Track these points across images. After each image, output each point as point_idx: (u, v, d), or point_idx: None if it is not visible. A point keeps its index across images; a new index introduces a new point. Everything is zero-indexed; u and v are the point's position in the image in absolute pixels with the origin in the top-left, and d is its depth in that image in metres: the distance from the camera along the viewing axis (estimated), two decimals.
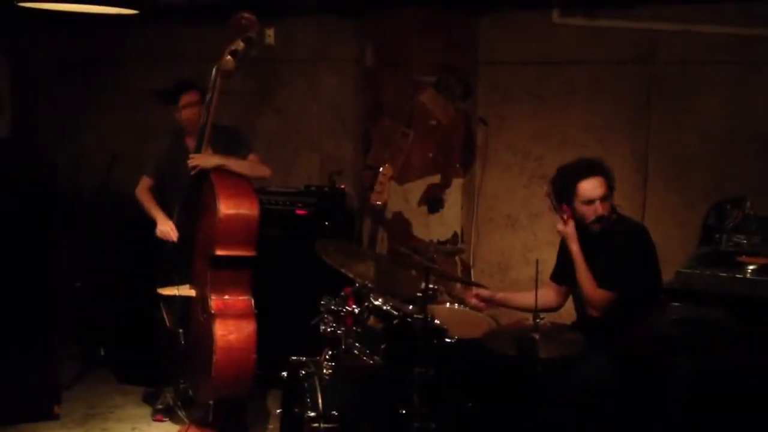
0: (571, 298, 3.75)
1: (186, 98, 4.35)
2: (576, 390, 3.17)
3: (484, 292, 3.82)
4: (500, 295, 3.88)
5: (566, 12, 4.66)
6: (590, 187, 3.49)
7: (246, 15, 4.08)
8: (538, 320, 3.07)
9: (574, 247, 3.50)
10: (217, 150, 4.21)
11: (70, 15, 4.71)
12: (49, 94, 5.97)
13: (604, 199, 3.49)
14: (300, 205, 4.85)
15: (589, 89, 4.69)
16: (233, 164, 4.19)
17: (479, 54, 4.87)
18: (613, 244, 3.49)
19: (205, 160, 4.13)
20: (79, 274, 5.17)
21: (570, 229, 3.53)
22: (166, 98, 4.41)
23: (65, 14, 4.67)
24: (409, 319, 3.34)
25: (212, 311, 4.03)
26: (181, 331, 4.26)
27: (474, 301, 3.80)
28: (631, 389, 3.21)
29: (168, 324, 4.31)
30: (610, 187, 3.52)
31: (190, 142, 4.36)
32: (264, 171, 4.35)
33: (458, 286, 4.35)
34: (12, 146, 5.56)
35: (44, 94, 5.97)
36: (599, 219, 3.49)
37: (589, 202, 3.49)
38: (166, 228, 4.33)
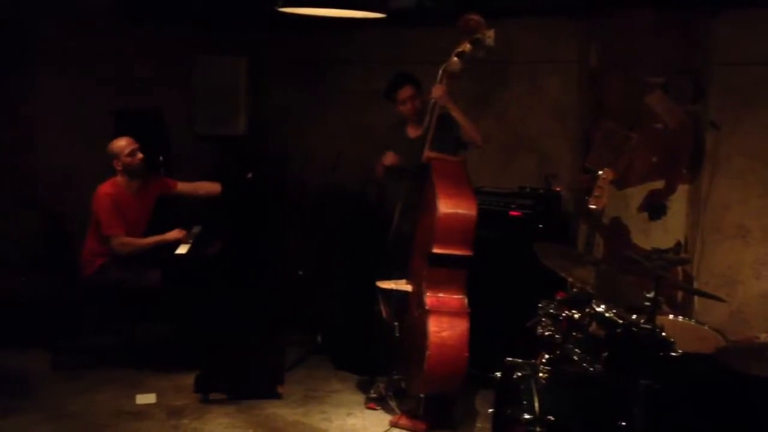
0: None
1: (402, 94, 4.51)
2: None
3: None
4: None
5: None
6: None
7: (474, 17, 4.14)
8: None
9: None
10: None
11: (303, 17, 4.97)
12: (279, 93, 6.36)
13: None
14: (514, 206, 4.82)
15: None
16: (459, 115, 4.36)
17: (713, 54, 4.60)
18: None
19: (440, 98, 4.28)
20: (302, 263, 5.48)
21: None
22: (386, 94, 4.57)
23: (298, 16, 4.93)
24: (634, 329, 3.23)
25: (427, 307, 4.12)
26: (396, 324, 4.40)
27: None
28: None
29: (385, 316, 4.47)
30: None
31: (411, 132, 4.51)
32: (478, 135, 4.43)
33: None
34: (247, 143, 5.96)
35: (276, 93, 6.36)
36: None
37: None
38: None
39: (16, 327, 5.11)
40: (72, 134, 5.67)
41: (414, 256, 4.38)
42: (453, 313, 4.15)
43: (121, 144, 4.96)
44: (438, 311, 4.13)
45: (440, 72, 4.23)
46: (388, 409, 4.52)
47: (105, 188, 4.95)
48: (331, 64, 6.08)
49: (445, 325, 4.10)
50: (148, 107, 5.81)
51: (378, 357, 4.69)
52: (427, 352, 4.04)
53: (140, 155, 4.99)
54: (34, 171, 5.62)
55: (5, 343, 5.05)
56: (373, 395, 4.63)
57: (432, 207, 4.15)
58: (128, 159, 4.95)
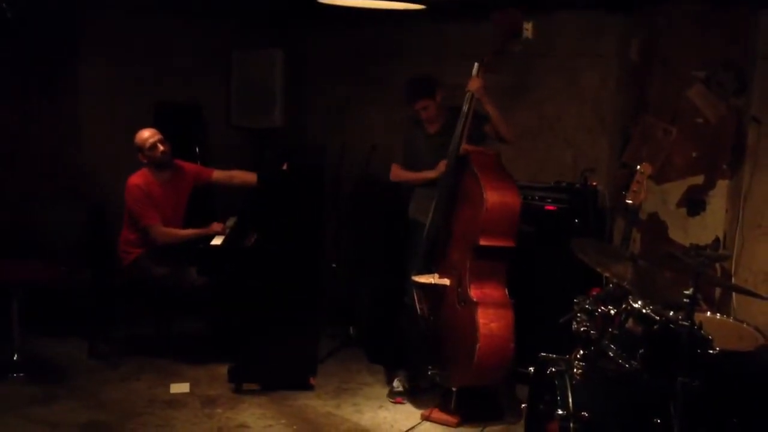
0: None
1: (417, 105, 4.52)
2: None
3: None
4: None
5: None
6: None
7: (510, 10, 4.11)
8: None
9: None
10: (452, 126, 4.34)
11: (342, 10, 4.96)
12: (318, 86, 6.36)
13: None
14: (550, 200, 4.78)
15: None
16: (493, 110, 4.33)
17: (757, 48, 4.51)
18: None
19: (477, 91, 4.26)
20: (336, 256, 5.48)
21: None
22: (405, 100, 4.58)
23: (336, 9, 4.92)
24: (671, 325, 3.18)
25: (474, 299, 4.11)
26: (432, 318, 4.38)
27: None
28: None
29: (420, 311, 4.46)
30: None
31: (430, 128, 4.55)
32: (509, 131, 4.41)
33: None
34: (285, 135, 5.97)
35: (314, 86, 6.37)
36: None
37: None
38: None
39: (55, 316, 5.22)
40: (114, 126, 5.73)
41: (450, 249, 4.36)
42: (498, 305, 4.15)
43: (143, 137, 4.98)
44: (485, 303, 4.12)
45: (476, 65, 4.20)
46: (418, 403, 4.52)
47: (134, 179, 4.99)
48: (369, 58, 6.06)
49: (492, 317, 4.09)
50: (186, 99, 5.86)
51: (410, 351, 4.68)
52: (477, 345, 4.02)
53: (161, 148, 4.97)
54: (77, 162, 5.70)
55: (45, 332, 5.15)
56: (398, 389, 4.62)
57: (477, 199, 4.12)
58: (150, 153, 4.98)
